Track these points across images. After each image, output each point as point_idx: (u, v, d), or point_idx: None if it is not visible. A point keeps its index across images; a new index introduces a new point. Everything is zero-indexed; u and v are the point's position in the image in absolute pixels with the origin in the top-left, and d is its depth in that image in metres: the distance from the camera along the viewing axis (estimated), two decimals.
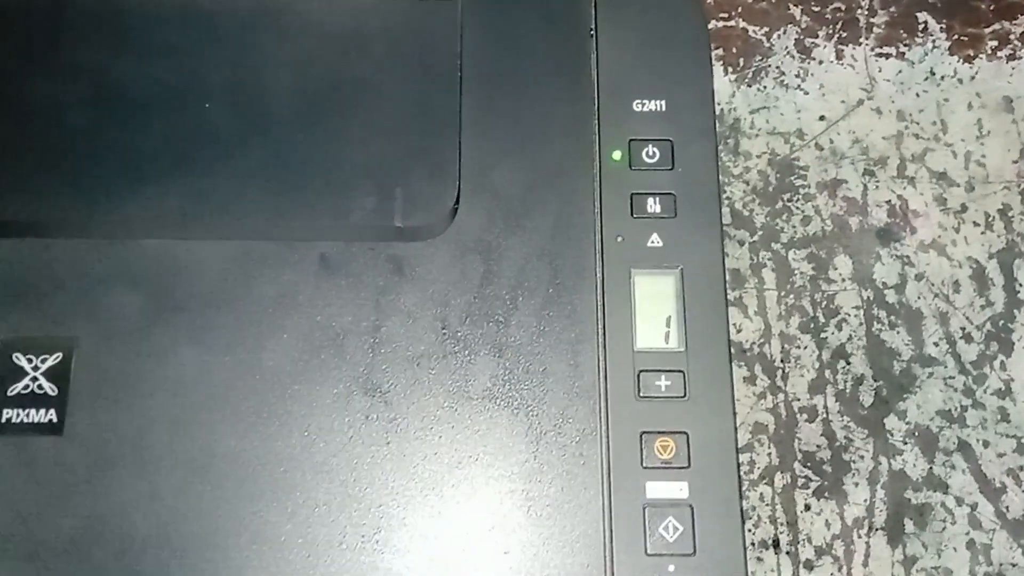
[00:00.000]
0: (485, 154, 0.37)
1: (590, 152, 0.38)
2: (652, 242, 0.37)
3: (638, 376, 0.35)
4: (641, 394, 0.35)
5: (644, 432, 0.34)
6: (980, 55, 0.54)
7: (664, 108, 0.38)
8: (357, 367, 0.35)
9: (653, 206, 0.37)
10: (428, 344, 0.35)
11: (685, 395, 0.35)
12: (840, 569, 0.45)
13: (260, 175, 0.37)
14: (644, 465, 0.34)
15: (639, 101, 0.38)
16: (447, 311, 0.36)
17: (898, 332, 0.48)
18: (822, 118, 0.52)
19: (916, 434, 0.47)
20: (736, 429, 0.34)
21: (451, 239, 0.36)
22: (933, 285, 0.49)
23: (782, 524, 0.46)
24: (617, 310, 0.36)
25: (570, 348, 0.35)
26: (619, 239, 0.37)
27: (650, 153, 0.38)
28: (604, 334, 0.35)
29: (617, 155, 0.38)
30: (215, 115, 0.37)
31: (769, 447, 0.47)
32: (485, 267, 0.36)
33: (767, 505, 0.46)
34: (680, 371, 0.35)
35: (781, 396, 0.47)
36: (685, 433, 0.34)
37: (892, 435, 0.47)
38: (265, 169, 0.37)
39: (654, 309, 0.36)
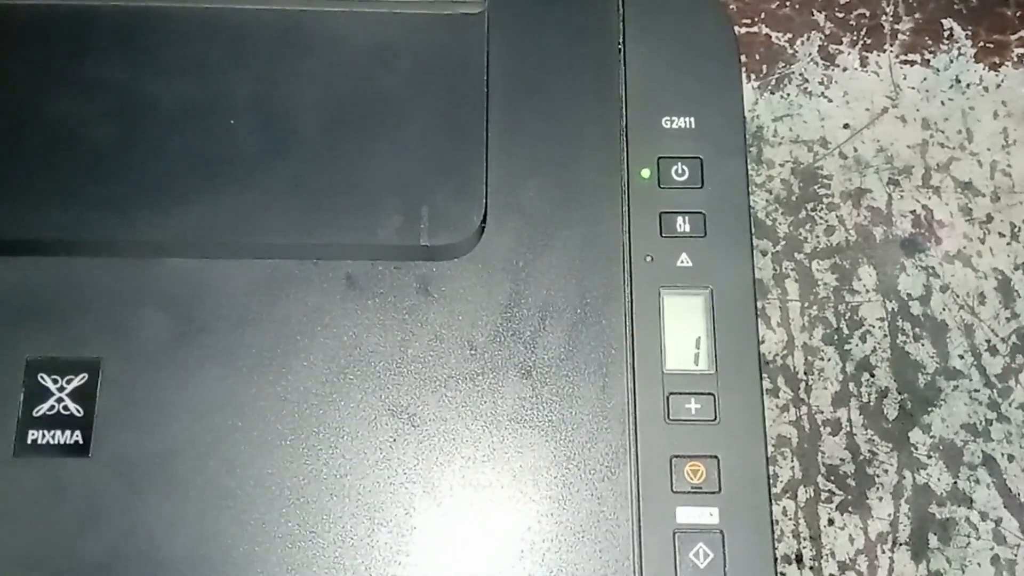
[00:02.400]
0: (512, 172, 0.37)
1: (618, 170, 0.37)
2: (681, 262, 0.37)
3: (667, 399, 0.35)
4: (671, 417, 0.35)
5: (674, 456, 0.34)
6: (1006, 62, 0.53)
7: (693, 125, 0.38)
8: (384, 388, 0.35)
9: (682, 225, 0.37)
10: (455, 365, 0.35)
11: (715, 418, 0.35)
12: None
13: (286, 194, 0.37)
14: (674, 489, 0.34)
15: (668, 118, 0.38)
16: (474, 331, 0.35)
17: (923, 344, 0.48)
18: (846, 126, 0.51)
19: (941, 448, 0.46)
20: (767, 453, 0.34)
21: (478, 258, 0.36)
22: (958, 297, 0.49)
23: (805, 539, 0.45)
24: (646, 331, 0.36)
25: (598, 370, 0.35)
26: (648, 259, 0.37)
27: (679, 171, 0.38)
28: (633, 355, 0.35)
29: (646, 173, 0.38)
30: (241, 133, 0.37)
31: (792, 460, 0.46)
32: (512, 287, 0.36)
33: (790, 519, 0.45)
34: (710, 394, 0.35)
35: (804, 409, 0.47)
36: (716, 457, 0.34)
37: (916, 449, 0.46)
38: (291, 187, 0.37)
39: (683, 330, 0.35)
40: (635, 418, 0.34)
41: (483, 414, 0.34)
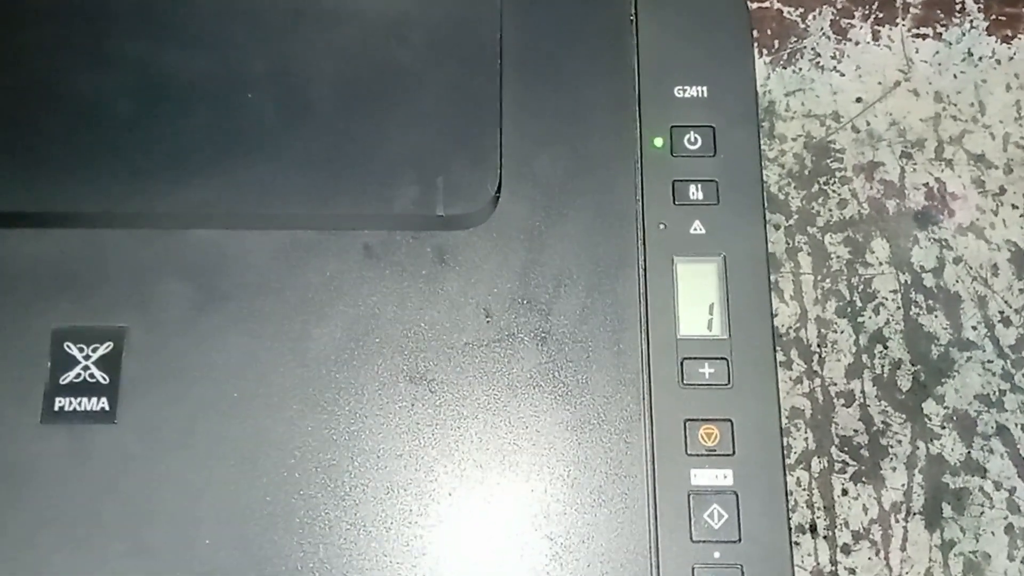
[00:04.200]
0: (526, 142, 0.37)
1: (631, 139, 0.37)
2: (694, 229, 0.36)
3: (681, 364, 0.35)
4: (685, 382, 0.35)
5: (688, 420, 0.34)
6: (1019, 35, 0.52)
7: (706, 94, 0.38)
8: (401, 355, 0.34)
9: (695, 193, 0.37)
10: (472, 333, 0.35)
11: (729, 382, 0.34)
12: (877, 553, 0.44)
13: (304, 164, 0.37)
14: (688, 452, 0.34)
15: (680, 87, 0.38)
16: (490, 300, 0.35)
17: (936, 316, 0.48)
18: (858, 100, 0.51)
19: (954, 418, 0.46)
20: (780, 416, 0.34)
21: (493, 228, 0.36)
22: (971, 268, 0.48)
23: (819, 508, 0.45)
24: (660, 297, 0.35)
25: (613, 336, 0.35)
26: (661, 226, 0.36)
27: (692, 140, 0.37)
28: (647, 322, 0.35)
29: (659, 142, 0.37)
30: (259, 106, 0.37)
31: (806, 432, 0.46)
32: (527, 255, 0.36)
33: (804, 490, 0.45)
34: (723, 358, 0.35)
35: (818, 381, 0.46)
36: (729, 420, 0.34)
37: (930, 419, 0.46)
38: (308, 158, 0.37)
39: (697, 296, 0.35)
40: (650, 383, 0.34)
41: (499, 380, 0.34)
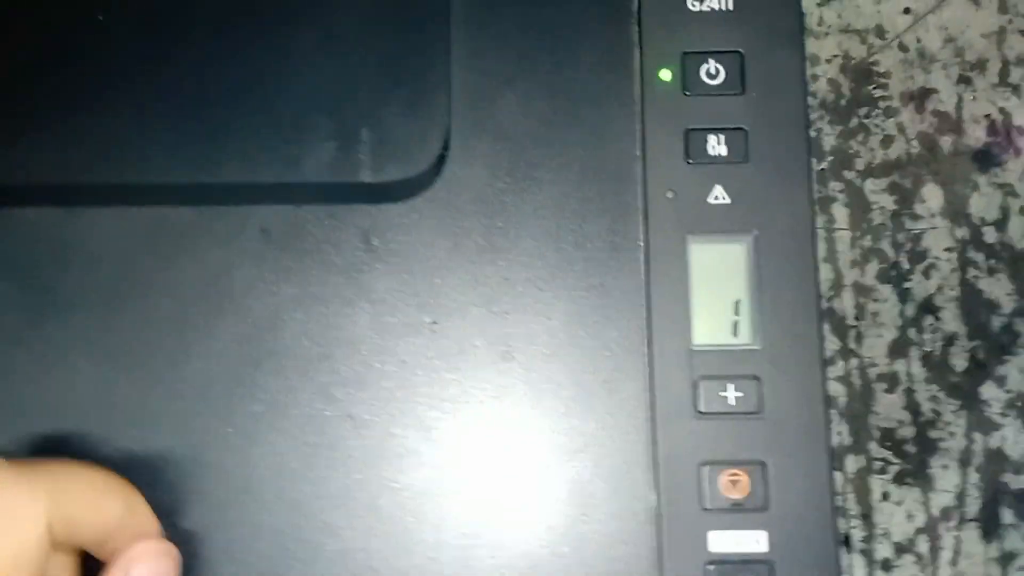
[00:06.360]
0: (483, 81, 0.31)
1: (628, 71, 0.31)
2: (715, 198, 0.31)
3: (696, 385, 0.30)
4: (701, 409, 0.29)
5: (705, 463, 0.29)
6: None
7: (730, 6, 0.32)
8: (312, 383, 0.29)
9: (716, 147, 0.31)
10: (411, 346, 0.29)
11: (761, 411, 0.29)
12: (924, 569, 0.42)
13: (178, 117, 0.30)
14: (706, 507, 0.29)
15: None
16: (435, 299, 0.30)
17: (998, 279, 0.45)
18: (907, 11, 0.47)
19: (1018, 404, 0.43)
20: (832, 457, 0.29)
21: (438, 199, 0.31)
22: None
23: (855, 517, 0.42)
24: (668, 292, 0.30)
25: (605, 348, 0.30)
26: (669, 194, 0.31)
27: (712, 71, 0.32)
28: (650, 326, 0.30)
29: (666, 75, 0.32)
30: (113, 34, 0.31)
31: (840, 424, 0.43)
32: (484, 238, 0.30)
33: (837, 495, 0.43)
34: (755, 377, 0.29)
35: (855, 362, 0.44)
36: (762, 463, 0.29)
37: (989, 406, 0.43)
38: (184, 109, 0.30)
39: (718, 291, 0.30)
40: (654, 411, 0.29)
41: (446, 417, 0.29)
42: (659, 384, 0.29)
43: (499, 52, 0.31)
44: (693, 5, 0.32)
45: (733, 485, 0.29)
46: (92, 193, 0.30)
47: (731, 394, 0.29)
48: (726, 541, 0.28)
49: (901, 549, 0.42)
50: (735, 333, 0.30)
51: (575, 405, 0.29)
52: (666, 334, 0.30)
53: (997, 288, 0.44)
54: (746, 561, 0.28)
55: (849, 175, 0.45)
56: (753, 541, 0.28)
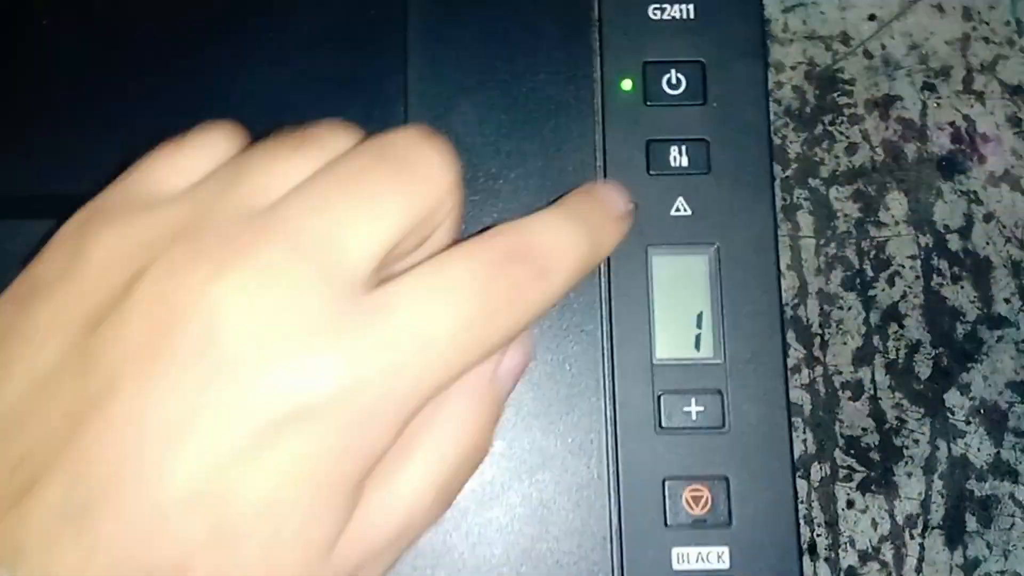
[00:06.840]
0: (441, 90, 0.30)
1: (589, 81, 0.31)
2: (676, 209, 0.30)
3: (658, 400, 0.29)
4: (663, 425, 0.28)
5: (668, 478, 0.28)
6: None
7: (692, 15, 0.31)
8: None
9: (678, 158, 0.30)
10: None
11: (724, 425, 0.28)
12: None
13: (129, 131, 0.28)
14: (668, 524, 0.28)
15: (657, 6, 0.31)
16: None
17: (962, 287, 0.45)
18: (872, 18, 0.47)
19: (982, 412, 0.43)
20: (795, 472, 0.29)
21: None
22: (1005, 228, 0.45)
23: (820, 525, 0.42)
24: (629, 305, 0.29)
25: (565, 362, 0.29)
26: (630, 206, 0.30)
27: (673, 81, 0.31)
28: (611, 341, 0.29)
29: (627, 85, 0.31)
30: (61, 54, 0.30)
31: (804, 432, 0.43)
32: None
33: (802, 502, 0.42)
34: (717, 391, 0.29)
35: (819, 369, 0.44)
36: (725, 479, 0.28)
37: (953, 413, 0.43)
38: (139, 121, 0.28)
39: (680, 304, 0.30)
40: (615, 427, 0.28)
41: None
42: (620, 399, 0.28)
43: (456, 61, 0.30)
44: (655, 14, 0.31)
45: (696, 502, 0.28)
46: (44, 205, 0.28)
47: (693, 409, 0.29)
48: (690, 558, 0.28)
49: (866, 556, 0.42)
50: (697, 347, 0.29)
51: (535, 421, 0.28)
52: (627, 348, 0.29)
53: (961, 296, 0.44)
54: None
55: (814, 182, 0.45)
56: (716, 557, 0.28)
